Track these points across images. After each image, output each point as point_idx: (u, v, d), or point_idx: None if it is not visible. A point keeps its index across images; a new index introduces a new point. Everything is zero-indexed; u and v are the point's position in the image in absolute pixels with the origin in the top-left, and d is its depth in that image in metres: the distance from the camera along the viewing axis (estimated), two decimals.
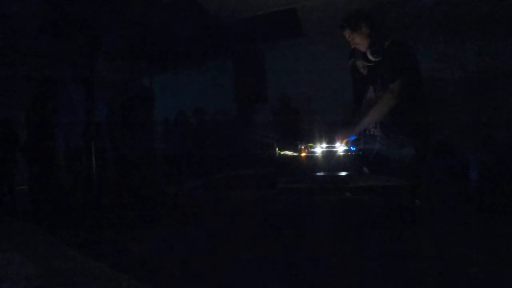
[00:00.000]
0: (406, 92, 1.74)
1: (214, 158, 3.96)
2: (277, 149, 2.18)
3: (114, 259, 1.47)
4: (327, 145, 1.91)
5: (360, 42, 1.90)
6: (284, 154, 2.13)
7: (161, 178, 4.00)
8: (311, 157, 1.89)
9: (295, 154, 2.02)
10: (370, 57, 1.85)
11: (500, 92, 3.87)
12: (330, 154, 1.86)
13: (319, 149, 1.90)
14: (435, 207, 1.89)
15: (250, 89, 3.92)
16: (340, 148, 1.89)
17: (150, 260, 1.50)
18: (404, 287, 1.15)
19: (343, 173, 1.74)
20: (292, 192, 1.80)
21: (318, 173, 1.79)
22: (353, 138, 1.94)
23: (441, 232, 1.60)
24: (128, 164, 3.28)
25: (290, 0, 3.76)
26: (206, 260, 1.45)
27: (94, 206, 2.77)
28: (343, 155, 1.86)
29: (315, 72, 4.29)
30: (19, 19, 3.24)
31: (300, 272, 1.29)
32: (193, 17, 3.87)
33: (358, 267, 1.29)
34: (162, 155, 4.46)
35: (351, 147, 1.92)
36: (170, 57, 4.76)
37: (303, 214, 1.72)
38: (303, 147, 1.95)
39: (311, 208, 1.71)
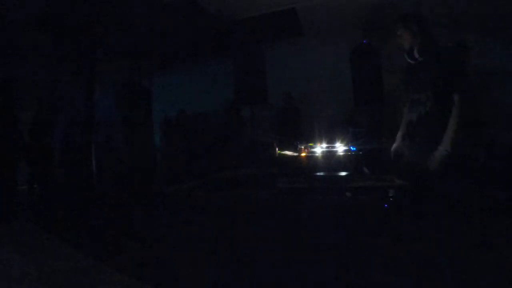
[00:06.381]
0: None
1: (214, 158, 3.96)
2: (277, 149, 2.18)
3: (114, 259, 1.47)
4: (327, 145, 1.91)
5: (407, 38, 1.94)
6: (284, 154, 2.13)
7: (160, 178, 4.00)
8: (311, 157, 1.89)
9: (295, 154, 2.02)
10: (416, 55, 1.87)
11: (501, 92, 3.86)
12: (330, 154, 1.86)
13: (319, 149, 1.90)
14: (435, 207, 1.89)
15: (250, 89, 3.91)
16: (340, 148, 1.89)
17: (150, 260, 1.50)
18: (404, 286, 1.15)
19: (343, 173, 1.74)
20: (292, 192, 1.80)
21: (318, 173, 1.79)
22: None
23: (441, 232, 1.60)
24: (128, 164, 3.28)
25: (290, 0, 3.76)
26: (206, 260, 1.45)
27: (94, 206, 2.77)
28: (343, 155, 1.86)
29: (315, 72, 4.29)
30: (19, 18, 3.24)
31: (300, 272, 1.29)
32: (193, 17, 3.86)
33: (358, 266, 1.29)
34: (162, 155, 4.45)
35: (351, 147, 1.93)
36: (170, 57, 4.75)
37: (303, 214, 1.72)
38: (303, 147, 1.95)
39: (311, 208, 1.70)
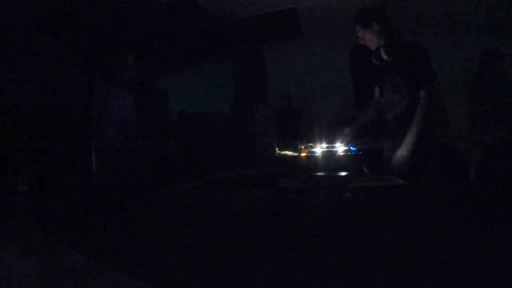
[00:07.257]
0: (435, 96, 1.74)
1: (214, 158, 3.96)
2: (277, 149, 2.18)
3: (114, 259, 1.47)
4: (327, 145, 1.91)
5: (370, 39, 1.83)
6: (284, 154, 2.13)
7: (161, 178, 3.99)
8: (311, 157, 1.89)
9: (295, 154, 2.02)
10: (384, 56, 1.79)
11: (500, 92, 3.86)
12: (330, 154, 1.86)
13: (319, 149, 1.90)
14: (435, 207, 1.89)
15: (250, 89, 3.93)
16: (340, 148, 1.89)
17: (150, 260, 1.49)
18: (404, 286, 1.15)
19: (343, 173, 1.74)
20: (292, 192, 1.80)
21: (318, 173, 1.79)
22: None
23: (441, 232, 1.60)
24: (127, 163, 3.29)
25: (290, 0, 3.77)
26: (206, 260, 1.45)
27: (94, 206, 2.76)
28: (343, 155, 1.86)
29: (315, 72, 4.30)
30: (20, 18, 3.24)
31: (300, 273, 1.29)
32: (193, 17, 3.86)
33: (358, 267, 1.29)
34: (161, 155, 4.45)
35: (351, 147, 1.93)
36: (169, 57, 4.76)
37: (303, 214, 1.72)
38: (303, 147, 1.95)
39: (311, 208, 1.70)
